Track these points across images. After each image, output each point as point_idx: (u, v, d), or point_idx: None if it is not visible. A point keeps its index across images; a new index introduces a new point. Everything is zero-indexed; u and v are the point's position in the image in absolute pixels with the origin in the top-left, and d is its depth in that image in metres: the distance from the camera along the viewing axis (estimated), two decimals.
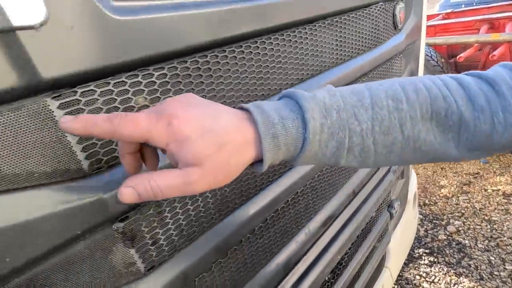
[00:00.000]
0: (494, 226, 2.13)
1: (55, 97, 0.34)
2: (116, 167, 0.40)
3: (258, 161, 0.37)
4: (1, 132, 0.31)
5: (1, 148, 0.31)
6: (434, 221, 2.27)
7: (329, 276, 0.96)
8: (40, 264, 0.35)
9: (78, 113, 0.35)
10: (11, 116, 0.31)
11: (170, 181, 0.32)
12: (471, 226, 2.17)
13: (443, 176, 2.77)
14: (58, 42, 0.32)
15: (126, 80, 0.38)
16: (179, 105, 0.33)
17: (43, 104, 0.33)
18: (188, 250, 0.50)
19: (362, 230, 1.06)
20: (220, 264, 0.57)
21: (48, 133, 0.34)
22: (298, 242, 0.75)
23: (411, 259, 1.99)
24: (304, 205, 0.77)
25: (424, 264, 1.94)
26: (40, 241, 0.34)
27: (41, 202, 0.34)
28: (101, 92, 0.37)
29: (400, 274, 1.88)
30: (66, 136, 0.35)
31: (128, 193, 0.31)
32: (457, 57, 2.71)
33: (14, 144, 0.32)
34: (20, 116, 0.32)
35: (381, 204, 1.20)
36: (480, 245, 2.00)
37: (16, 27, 0.29)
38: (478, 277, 1.79)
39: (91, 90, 0.36)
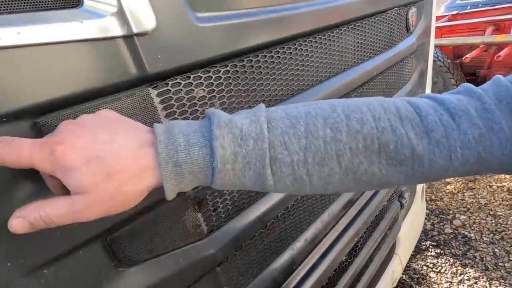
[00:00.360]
0: (499, 220, 2.21)
1: (154, 87, 0.43)
2: None
3: None
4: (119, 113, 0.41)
5: None
6: (440, 216, 2.35)
7: (346, 257, 1.05)
8: (136, 219, 0.45)
9: (170, 99, 0.45)
10: (126, 101, 0.41)
11: (58, 210, 0.31)
12: (477, 221, 2.25)
13: None
14: (159, 44, 0.41)
15: (201, 74, 0.48)
16: (71, 129, 0.31)
17: (147, 92, 0.43)
18: (238, 219, 0.60)
19: (375, 217, 1.15)
20: (261, 234, 0.66)
21: (149, 115, 0.43)
22: (322, 221, 0.84)
23: (419, 251, 2.07)
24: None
25: (431, 255, 2.03)
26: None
27: None
28: (184, 84, 0.46)
29: (408, 264, 1.97)
30: (161, 118, 0.44)
31: (19, 224, 0.30)
32: (463, 57, 2.79)
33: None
34: (131, 101, 0.41)
35: (392, 194, 1.29)
36: (485, 238, 2.08)
37: (136, 33, 0.39)
38: (484, 268, 1.87)
39: (177, 82, 0.46)
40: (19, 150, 0.29)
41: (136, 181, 0.32)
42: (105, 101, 0.39)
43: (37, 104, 0.34)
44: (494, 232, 2.12)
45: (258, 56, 0.56)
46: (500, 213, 2.27)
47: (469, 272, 1.86)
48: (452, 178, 2.76)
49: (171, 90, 0.45)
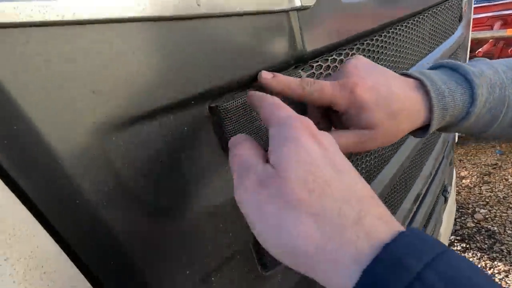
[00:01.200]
0: None
1: (302, 69, 0.39)
2: None
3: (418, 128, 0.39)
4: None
5: None
6: (460, 210, 2.34)
7: None
8: None
9: None
10: None
11: (347, 140, 0.35)
12: (497, 214, 2.25)
13: (463, 168, 2.85)
14: (316, 20, 0.37)
15: (336, 57, 0.44)
16: (357, 73, 0.35)
17: (298, 75, 0.38)
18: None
19: (432, 209, 1.12)
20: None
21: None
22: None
23: None
24: (404, 182, 0.83)
25: (457, 250, 2.02)
26: None
27: None
28: (331, 60, 0.42)
29: None
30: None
31: None
32: (476, 52, 2.80)
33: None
34: None
35: (440, 189, 1.27)
36: (509, 231, 2.08)
37: (300, 7, 0.34)
38: None
39: (319, 65, 0.41)
40: (324, 89, 0.34)
41: (411, 120, 0.36)
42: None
43: (215, 87, 0.29)
44: None
45: (381, 35, 0.52)
46: None
47: (499, 266, 1.85)
48: (466, 172, 2.77)
49: (315, 74, 0.41)
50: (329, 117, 0.39)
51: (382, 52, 0.55)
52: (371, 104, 0.34)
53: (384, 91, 0.34)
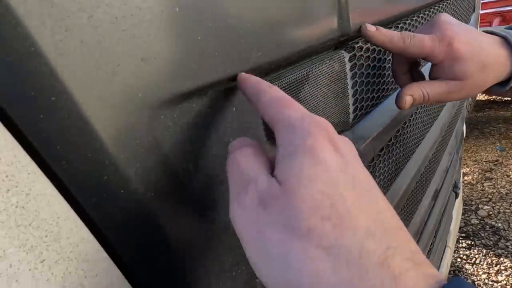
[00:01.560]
0: None
1: (345, 49, 0.36)
2: (361, 121, 0.42)
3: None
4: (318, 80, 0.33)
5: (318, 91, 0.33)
6: (464, 207, 2.33)
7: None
8: None
9: (355, 66, 0.37)
10: (325, 65, 0.33)
11: (436, 89, 0.38)
12: (501, 210, 2.24)
13: (464, 165, 2.84)
14: None
15: None
16: (452, 28, 0.37)
17: (341, 56, 0.35)
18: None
19: (446, 205, 1.10)
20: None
21: (340, 84, 0.36)
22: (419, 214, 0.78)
23: None
24: (425, 177, 0.80)
25: (462, 247, 2.00)
26: None
27: None
28: (365, 48, 0.39)
29: None
30: (348, 89, 0.37)
31: (409, 100, 0.38)
32: None
33: (326, 85, 0.34)
34: (328, 66, 0.34)
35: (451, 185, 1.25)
36: None
37: None
38: None
39: (360, 46, 0.38)
40: (424, 42, 0.36)
41: (497, 74, 0.39)
42: (312, 62, 0.31)
43: (264, 63, 0.26)
44: None
45: (418, 16, 0.49)
46: None
47: (505, 262, 1.84)
48: (468, 169, 2.76)
49: (356, 55, 0.37)
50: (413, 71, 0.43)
51: None
52: (467, 56, 0.37)
53: (477, 46, 0.37)
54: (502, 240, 1.98)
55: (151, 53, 0.18)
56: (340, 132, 0.38)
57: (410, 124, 0.58)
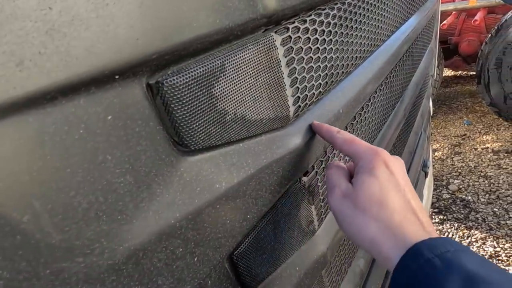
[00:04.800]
0: (491, 180, 2.27)
1: (276, 31, 0.30)
2: (307, 113, 0.37)
3: None
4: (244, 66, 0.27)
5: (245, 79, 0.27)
6: (435, 183, 2.37)
7: None
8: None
9: (290, 50, 0.32)
10: (250, 51, 0.27)
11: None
12: (470, 183, 2.30)
13: (434, 141, 2.89)
14: None
15: (314, 17, 0.35)
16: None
17: (270, 39, 0.29)
18: None
19: (415, 185, 1.08)
20: None
21: (272, 71, 0.30)
22: None
23: None
24: None
25: (435, 222, 2.04)
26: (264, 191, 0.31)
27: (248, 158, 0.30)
28: (309, 21, 0.33)
29: None
30: (283, 78, 0.31)
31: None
32: (441, 24, 2.81)
33: (252, 76, 0.28)
34: (254, 51, 0.28)
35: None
36: (482, 199, 2.13)
37: None
38: (488, 228, 1.90)
39: (296, 26, 0.32)
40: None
41: None
42: (230, 49, 0.25)
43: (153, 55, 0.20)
44: (489, 192, 2.17)
45: None
46: (491, 174, 2.34)
47: (475, 234, 1.89)
48: (438, 145, 2.81)
49: (291, 38, 0.32)
50: None
51: (364, 15, 0.47)
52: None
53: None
54: (473, 213, 2.03)
55: None
56: (280, 129, 0.33)
57: (368, 110, 0.54)
